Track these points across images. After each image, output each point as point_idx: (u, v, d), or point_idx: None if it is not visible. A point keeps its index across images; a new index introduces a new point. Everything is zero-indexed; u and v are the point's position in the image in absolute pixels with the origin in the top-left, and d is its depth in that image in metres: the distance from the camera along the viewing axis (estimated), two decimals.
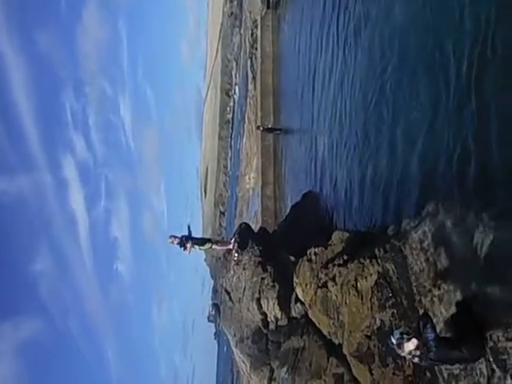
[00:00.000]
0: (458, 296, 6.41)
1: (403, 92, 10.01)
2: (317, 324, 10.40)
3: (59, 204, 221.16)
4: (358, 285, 8.61)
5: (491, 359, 5.63)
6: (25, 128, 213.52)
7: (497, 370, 5.58)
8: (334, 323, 9.52)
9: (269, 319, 12.50)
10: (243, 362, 13.34)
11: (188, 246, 13.76)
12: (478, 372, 5.88)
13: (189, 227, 14.32)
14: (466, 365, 6.03)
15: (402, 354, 5.55)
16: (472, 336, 5.71)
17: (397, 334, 5.54)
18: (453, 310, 6.43)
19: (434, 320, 6.43)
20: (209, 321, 65.82)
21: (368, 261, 8.51)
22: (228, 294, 14.80)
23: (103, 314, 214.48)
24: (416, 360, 5.57)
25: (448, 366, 6.35)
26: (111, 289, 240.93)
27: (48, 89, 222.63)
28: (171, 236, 13.96)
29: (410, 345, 5.37)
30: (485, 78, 7.14)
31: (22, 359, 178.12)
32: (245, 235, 14.02)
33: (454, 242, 6.73)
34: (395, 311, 7.78)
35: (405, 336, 5.42)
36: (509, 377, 5.42)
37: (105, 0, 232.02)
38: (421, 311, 6.98)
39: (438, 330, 5.77)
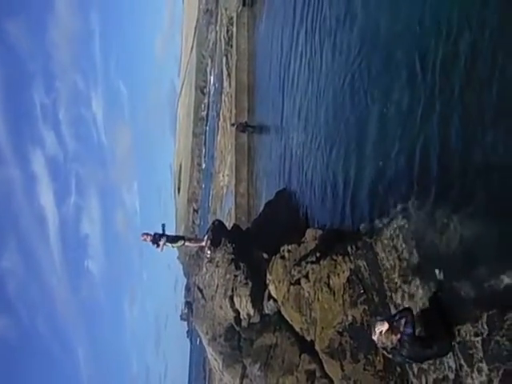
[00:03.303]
0: (428, 292, 6.53)
1: (375, 91, 10.12)
2: (289, 321, 10.43)
3: (28, 200, 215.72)
4: (331, 282, 8.67)
5: (459, 354, 5.76)
6: None
7: (464, 364, 5.71)
8: (306, 320, 9.57)
9: (241, 316, 12.46)
10: (215, 359, 13.26)
11: (161, 243, 13.63)
12: (447, 366, 6.00)
13: (163, 226, 14.17)
14: (435, 360, 6.15)
15: (376, 338, 5.65)
16: (441, 331, 5.82)
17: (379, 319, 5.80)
18: (423, 305, 6.54)
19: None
20: (181, 319, 65.29)
21: (340, 258, 8.59)
22: (200, 291, 14.69)
23: (73, 312, 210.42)
24: (389, 354, 5.70)
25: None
26: (82, 286, 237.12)
27: (16, 81, 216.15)
28: (144, 234, 13.81)
29: (385, 326, 5.53)
30: (451, 80, 7.27)
31: None
32: (218, 232, 13.94)
33: (425, 239, 6.85)
34: (367, 307, 7.87)
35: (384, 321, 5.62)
36: (476, 370, 5.55)
37: None
38: (401, 307, 7.00)
39: (415, 329, 5.81)
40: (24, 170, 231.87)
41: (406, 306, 6.71)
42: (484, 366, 5.44)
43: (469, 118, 6.71)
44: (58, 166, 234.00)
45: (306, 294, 9.45)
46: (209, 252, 13.53)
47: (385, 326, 5.53)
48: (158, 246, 13.65)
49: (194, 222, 53.89)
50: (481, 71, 6.68)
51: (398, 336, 5.50)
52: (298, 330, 10.08)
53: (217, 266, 13.28)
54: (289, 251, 10.92)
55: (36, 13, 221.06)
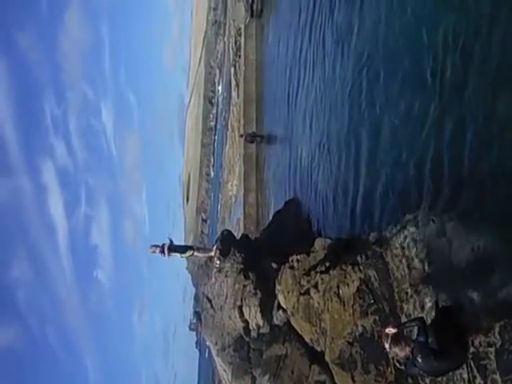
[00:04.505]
0: (440, 301, 6.45)
1: (383, 101, 10.12)
2: (299, 331, 10.35)
3: (38, 210, 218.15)
4: (340, 291, 8.60)
5: (472, 365, 5.66)
6: (3, 132, 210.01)
7: (478, 375, 5.60)
8: (316, 330, 9.49)
9: (251, 327, 12.39)
10: (225, 370, 13.18)
11: (165, 249, 13.49)
12: (459, 378, 5.89)
13: (170, 240, 14.04)
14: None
15: (388, 347, 5.60)
16: (455, 343, 5.72)
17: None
18: (434, 315, 6.45)
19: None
20: (190, 329, 65.09)
21: (350, 267, 8.52)
22: (209, 301, 14.64)
23: (82, 322, 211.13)
24: (401, 366, 5.63)
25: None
26: (91, 296, 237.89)
27: (28, 92, 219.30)
28: (152, 246, 13.65)
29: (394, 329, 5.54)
30: (461, 87, 7.25)
31: None
32: (227, 242, 13.90)
33: (435, 248, 6.78)
34: (377, 317, 7.78)
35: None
36: (489, 382, 5.45)
37: (88, 3, 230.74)
38: (412, 317, 6.93)
39: (429, 339, 5.72)
40: (34, 180, 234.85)
41: (418, 316, 6.64)
42: (498, 377, 5.33)
43: (480, 127, 6.68)
44: (68, 176, 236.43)
45: (316, 304, 9.38)
46: (218, 262, 13.48)
47: (394, 329, 5.52)
48: (165, 253, 13.53)
49: (202, 231, 53.86)
50: (489, 79, 6.66)
51: (412, 346, 5.43)
52: (307, 340, 9.99)
53: (226, 276, 13.24)
54: (298, 261, 10.87)
55: (46, 24, 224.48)
